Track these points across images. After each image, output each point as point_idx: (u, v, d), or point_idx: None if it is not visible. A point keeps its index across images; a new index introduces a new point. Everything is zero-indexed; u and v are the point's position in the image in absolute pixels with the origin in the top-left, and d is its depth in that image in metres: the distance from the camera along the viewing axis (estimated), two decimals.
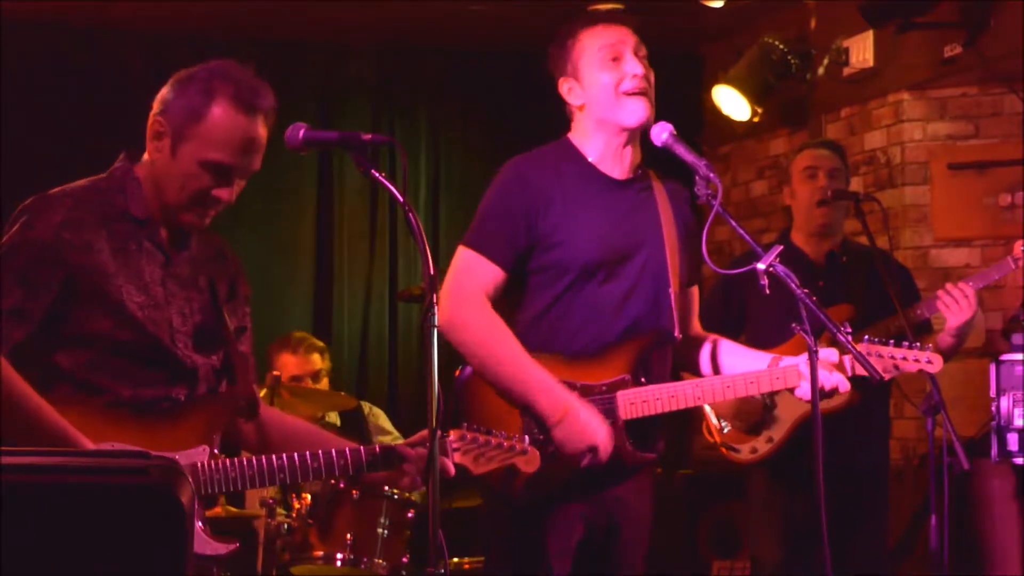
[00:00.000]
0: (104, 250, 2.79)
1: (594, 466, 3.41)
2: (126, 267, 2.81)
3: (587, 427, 3.40)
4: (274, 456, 2.89)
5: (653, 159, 3.61)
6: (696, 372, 3.76)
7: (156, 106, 2.89)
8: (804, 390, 3.50)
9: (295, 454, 2.89)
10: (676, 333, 3.59)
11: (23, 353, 2.73)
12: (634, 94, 3.52)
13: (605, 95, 3.53)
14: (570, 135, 3.65)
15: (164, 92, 2.90)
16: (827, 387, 3.47)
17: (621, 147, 3.59)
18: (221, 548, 2.85)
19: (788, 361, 3.55)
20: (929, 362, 3.54)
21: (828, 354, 3.50)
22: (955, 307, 4.40)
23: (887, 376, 3.57)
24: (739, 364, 3.66)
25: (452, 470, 2.99)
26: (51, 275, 2.75)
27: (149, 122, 2.89)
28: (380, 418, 5.93)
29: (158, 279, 2.86)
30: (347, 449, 2.94)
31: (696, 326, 3.79)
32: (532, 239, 3.51)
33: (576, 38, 3.58)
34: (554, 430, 3.40)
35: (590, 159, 3.60)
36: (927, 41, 5.79)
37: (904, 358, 3.56)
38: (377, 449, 2.95)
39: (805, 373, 3.47)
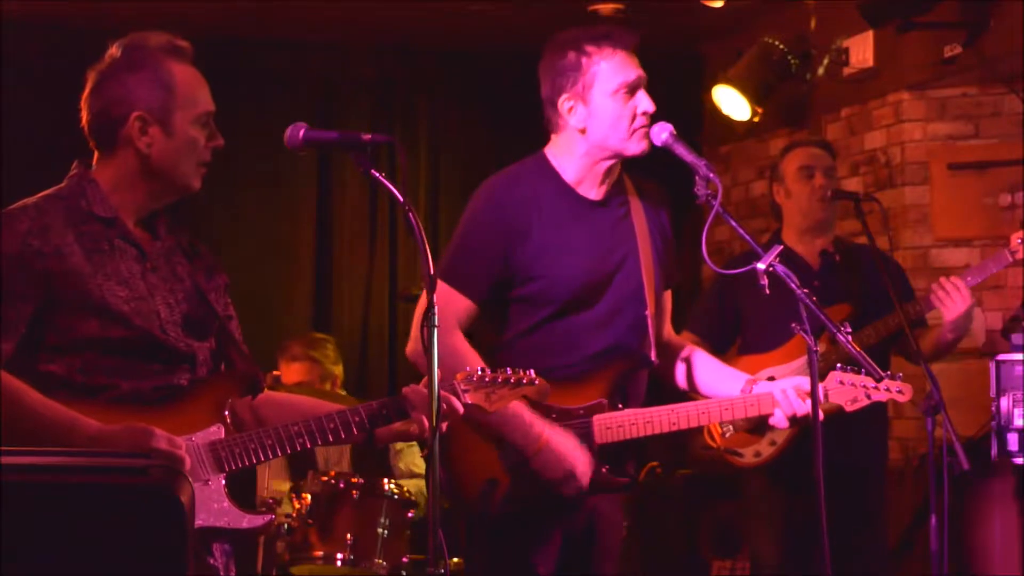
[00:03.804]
0: (76, 253, 2.78)
1: (572, 493, 3.43)
2: (103, 266, 2.80)
3: (564, 456, 3.43)
4: (289, 423, 2.89)
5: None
6: (671, 384, 3.77)
7: (116, 110, 2.84)
8: (778, 418, 3.55)
9: (309, 419, 2.90)
10: (653, 357, 3.61)
11: (11, 368, 2.72)
12: (641, 131, 3.51)
13: (616, 128, 3.50)
14: (547, 151, 3.62)
15: (111, 95, 2.85)
16: (799, 415, 3.50)
17: (606, 170, 3.58)
18: (258, 520, 2.86)
19: (762, 387, 3.58)
20: (900, 392, 3.55)
21: (802, 382, 3.52)
22: (948, 300, 4.42)
23: (856, 407, 3.58)
24: (715, 383, 3.70)
25: (460, 408, 2.99)
26: (27, 285, 2.74)
27: (124, 127, 2.84)
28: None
29: (138, 273, 2.85)
30: (360, 406, 2.95)
31: (669, 330, 3.79)
32: (509, 271, 3.51)
33: (591, 59, 3.50)
34: (531, 462, 3.42)
35: (567, 179, 3.57)
36: (927, 41, 5.78)
37: (875, 387, 3.56)
38: (388, 400, 2.95)
39: (780, 400, 3.52)
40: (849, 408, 3.59)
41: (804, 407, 3.49)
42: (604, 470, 3.50)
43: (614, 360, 3.55)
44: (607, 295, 3.55)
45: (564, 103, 3.54)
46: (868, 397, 3.56)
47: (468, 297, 3.50)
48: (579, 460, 3.44)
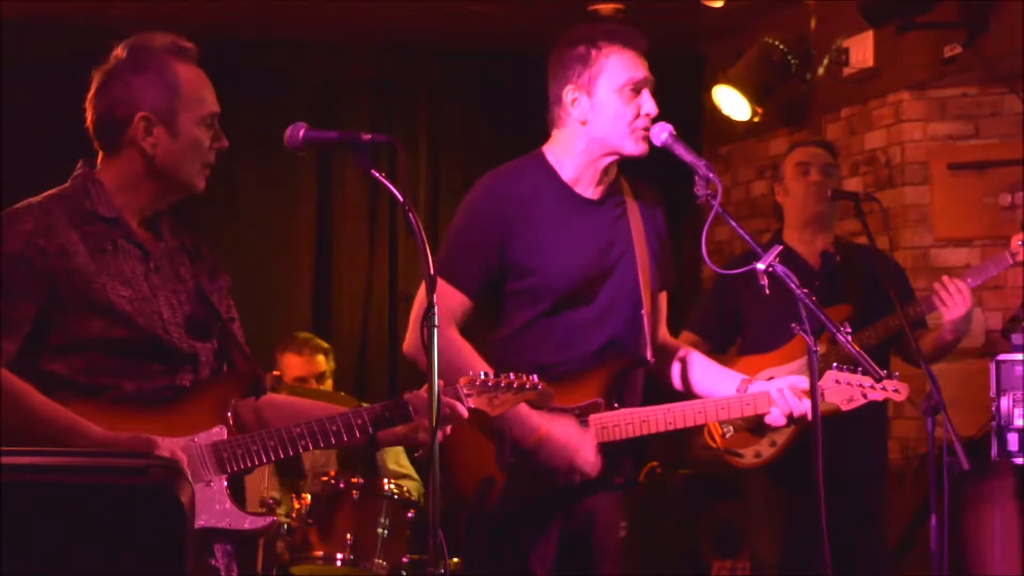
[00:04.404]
0: (81, 252, 2.78)
1: (583, 479, 3.42)
2: (106, 266, 2.80)
3: (566, 445, 3.42)
4: (292, 425, 2.89)
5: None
6: (667, 385, 3.77)
7: (121, 110, 2.85)
8: (774, 416, 3.55)
9: (312, 421, 2.90)
10: (649, 357, 3.60)
11: (15, 367, 2.72)
12: (641, 131, 3.52)
13: (617, 124, 3.51)
14: (546, 149, 3.63)
15: (115, 96, 2.85)
16: (796, 414, 3.50)
17: (603, 168, 3.58)
18: (260, 521, 2.86)
19: (758, 387, 3.58)
20: (896, 391, 3.55)
21: (799, 381, 3.52)
22: (950, 301, 4.42)
23: (852, 406, 3.58)
24: (710, 383, 3.68)
25: (465, 412, 2.99)
26: (32, 284, 2.74)
27: (129, 128, 2.85)
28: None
29: (141, 274, 2.85)
30: (362, 408, 2.95)
31: (664, 332, 3.79)
32: (505, 266, 3.51)
33: (600, 52, 3.51)
34: (533, 454, 3.42)
35: (565, 178, 3.58)
36: (927, 41, 5.79)
37: (871, 387, 3.56)
38: (391, 403, 2.95)
39: (775, 399, 3.52)
40: (845, 407, 3.58)
41: (800, 406, 3.50)
42: (601, 469, 3.49)
43: (610, 359, 3.54)
44: (603, 292, 3.55)
45: (568, 94, 3.54)
46: (864, 396, 3.56)
47: (463, 292, 3.50)
48: (581, 447, 3.43)
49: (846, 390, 3.55)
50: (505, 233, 3.50)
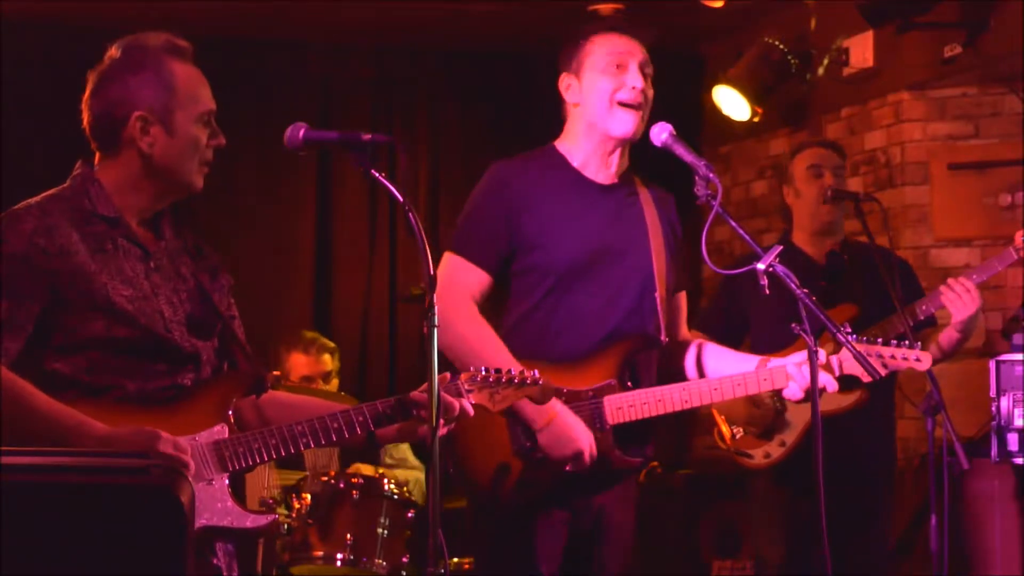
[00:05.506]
0: (81, 251, 2.79)
1: (578, 471, 3.42)
2: (107, 266, 2.81)
3: (572, 433, 3.42)
4: (293, 423, 2.89)
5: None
6: (682, 377, 3.76)
7: (118, 110, 2.85)
8: (792, 391, 3.54)
9: (313, 418, 2.90)
10: (663, 337, 3.60)
11: (18, 367, 2.72)
12: (628, 106, 3.53)
13: (600, 100, 3.55)
14: (556, 142, 3.66)
15: (112, 96, 2.85)
16: None
17: (608, 153, 3.60)
18: (261, 520, 2.86)
19: (776, 363, 3.56)
20: (918, 360, 3.53)
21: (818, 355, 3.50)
22: (959, 301, 4.41)
23: (876, 377, 3.57)
24: (724, 367, 3.67)
25: (471, 409, 3.01)
26: (34, 284, 2.74)
27: (126, 128, 2.85)
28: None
29: (142, 273, 2.86)
30: (363, 405, 2.95)
31: (684, 332, 3.79)
32: (514, 242, 3.53)
33: (588, 39, 3.59)
34: (539, 435, 3.42)
35: (575, 165, 3.61)
36: (927, 41, 5.79)
37: (892, 356, 3.56)
38: (393, 400, 2.95)
39: (793, 374, 3.51)
40: (866, 379, 3.57)
41: (819, 380, 3.46)
42: (616, 451, 3.49)
43: (622, 340, 3.54)
44: (613, 274, 3.55)
45: (563, 82, 3.62)
46: (885, 367, 3.53)
47: (480, 267, 3.52)
48: (585, 441, 3.43)
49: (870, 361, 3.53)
50: (514, 208, 3.52)
